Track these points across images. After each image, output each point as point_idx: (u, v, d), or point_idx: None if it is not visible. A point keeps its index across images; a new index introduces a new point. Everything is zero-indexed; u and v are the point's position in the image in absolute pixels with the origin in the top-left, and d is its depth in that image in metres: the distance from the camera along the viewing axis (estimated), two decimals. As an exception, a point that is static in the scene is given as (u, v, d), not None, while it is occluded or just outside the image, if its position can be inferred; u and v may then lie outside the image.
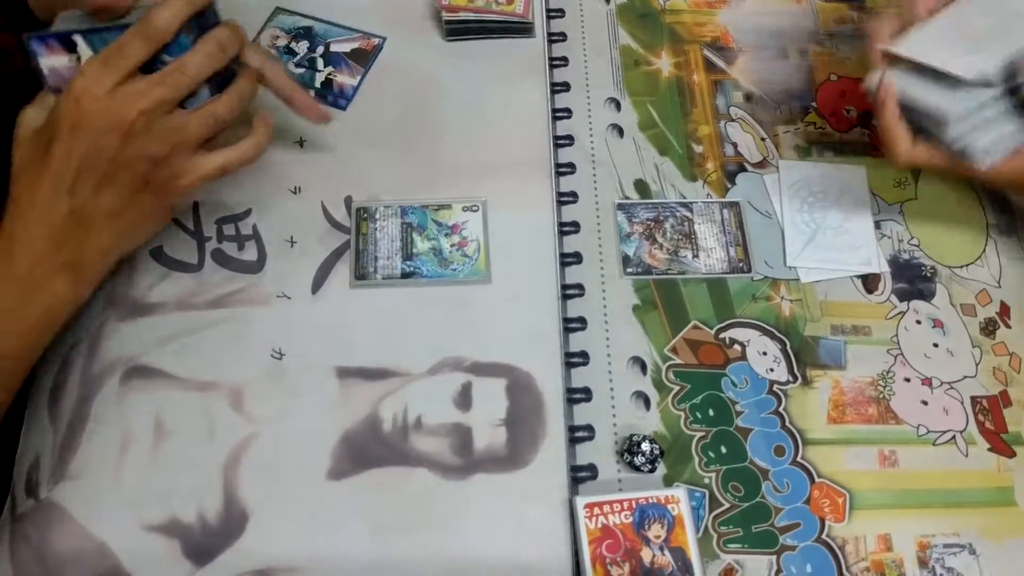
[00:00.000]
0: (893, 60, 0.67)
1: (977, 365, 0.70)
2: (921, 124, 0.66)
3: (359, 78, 0.80)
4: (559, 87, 0.81)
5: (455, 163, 0.76)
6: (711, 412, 0.67)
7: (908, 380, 0.69)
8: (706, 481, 0.65)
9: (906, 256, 0.75)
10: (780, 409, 0.68)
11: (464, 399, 0.66)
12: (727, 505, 0.64)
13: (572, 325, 0.70)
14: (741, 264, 0.73)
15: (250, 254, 0.71)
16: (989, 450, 0.67)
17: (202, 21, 0.60)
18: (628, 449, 0.65)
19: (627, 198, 0.76)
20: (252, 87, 0.64)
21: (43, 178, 0.58)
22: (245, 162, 0.64)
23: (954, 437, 0.67)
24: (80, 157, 0.58)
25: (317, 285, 0.70)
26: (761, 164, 0.79)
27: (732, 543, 0.63)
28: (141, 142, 0.58)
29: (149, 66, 0.59)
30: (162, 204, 0.63)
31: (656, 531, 0.61)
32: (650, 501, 0.62)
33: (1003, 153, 0.64)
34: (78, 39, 0.60)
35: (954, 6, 0.68)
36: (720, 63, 0.84)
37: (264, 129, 0.65)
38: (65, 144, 0.57)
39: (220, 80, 0.62)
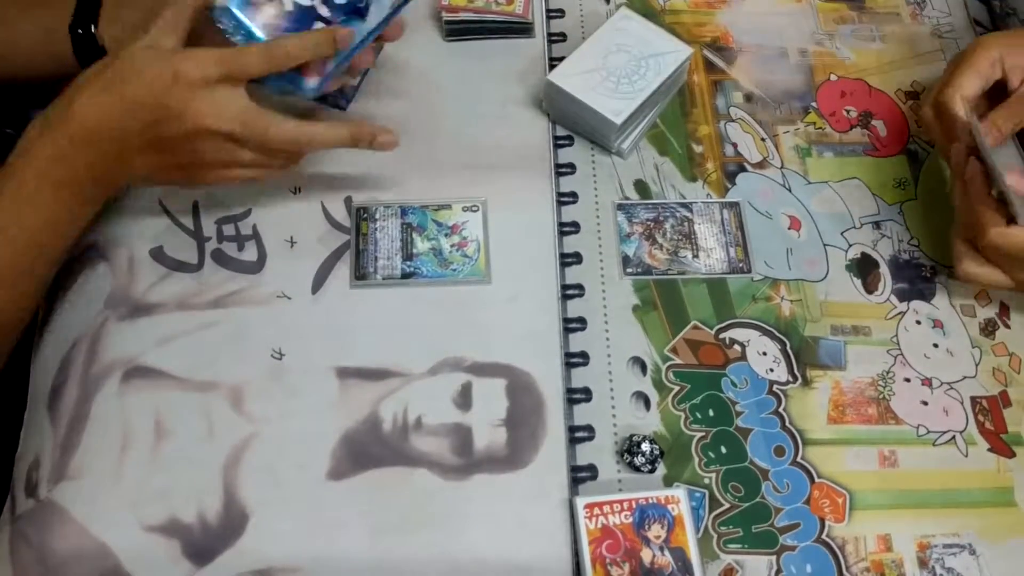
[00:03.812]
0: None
1: (977, 365, 0.70)
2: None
3: (359, 78, 0.79)
4: (559, 87, 0.81)
5: (455, 163, 0.76)
6: (711, 412, 0.67)
7: (908, 380, 0.69)
8: (706, 481, 0.65)
9: (906, 256, 0.75)
10: (780, 409, 0.68)
11: (464, 399, 0.66)
12: (727, 505, 0.64)
13: (572, 325, 0.70)
14: (741, 264, 0.73)
15: (250, 254, 0.71)
16: (989, 450, 0.67)
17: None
18: (628, 449, 0.65)
19: (627, 198, 0.76)
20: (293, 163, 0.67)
21: (115, 105, 0.60)
22: (269, 177, 0.67)
23: (954, 437, 0.67)
24: (147, 121, 0.60)
25: (317, 285, 0.70)
26: (761, 164, 0.79)
27: (732, 543, 0.63)
28: (196, 145, 0.61)
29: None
30: (183, 184, 0.67)
31: (656, 531, 0.61)
32: (650, 501, 0.62)
33: None
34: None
35: None
36: (720, 63, 0.84)
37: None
38: (145, 101, 0.59)
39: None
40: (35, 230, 0.61)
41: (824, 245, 0.75)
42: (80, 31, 0.69)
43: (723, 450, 0.66)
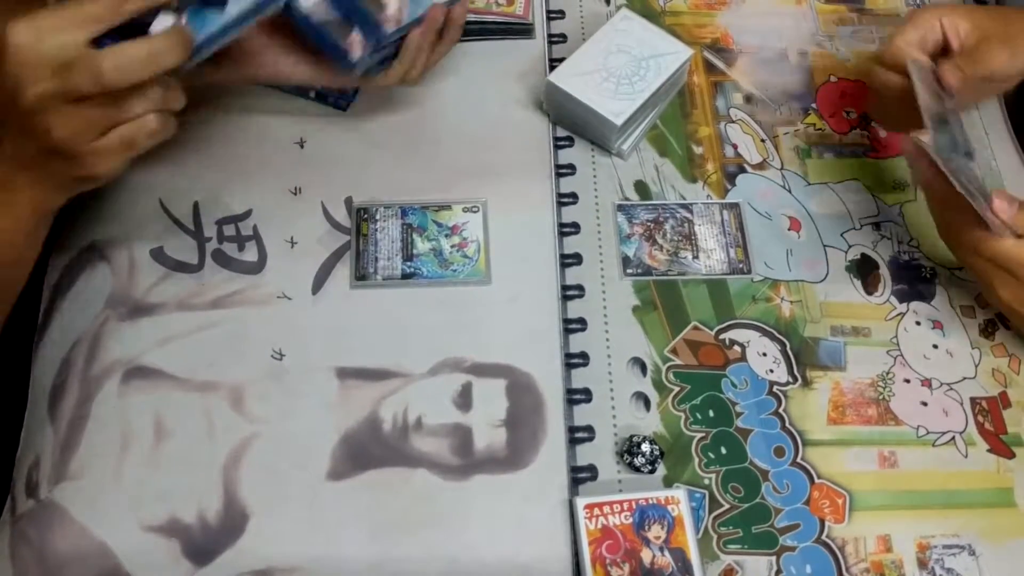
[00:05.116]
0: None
1: (976, 366, 0.70)
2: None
3: (359, 79, 0.80)
4: (559, 88, 0.81)
5: (455, 164, 0.76)
6: (711, 413, 0.67)
7: (908, 381, 0.69)
8: (706, 482, 0.65)
9: (905, 257, 0.75)
10: (780, 410, 0.68)
11: (464, 400, 0.66)
12: (727, 506, 0.64)
13: (572, 326, 0.70)
14: (741, 265, 0.73)
15: (250, 255, 0.71)
16: (988, 451, 0.67)
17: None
18: (628, 450, 0.65)
19: (627, 199, 0.76)
20: (166, 127, 0.59)
21: None
22: (153, 135, 0.58)
23: (954, 438, 0.67)
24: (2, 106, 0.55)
25: (317, 286, 0.70)
26: (761, 165, 0.79)
27: (732, 544, 0.63)
28: (37, 123, 0.54)
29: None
30: (74, 174, 0.58)
31: (656, 532, 0.61)
32: (650, 502, 0.62)
33: None
34: None
35: None
36: (720, 64, 0.84)
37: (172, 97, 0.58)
38: None
39: None
40: None
41: (824, 246, 0.75)
42: None
43: (723, 451, 0.66)
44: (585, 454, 0.65)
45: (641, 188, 0.77)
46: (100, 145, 0.57)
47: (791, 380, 0.69)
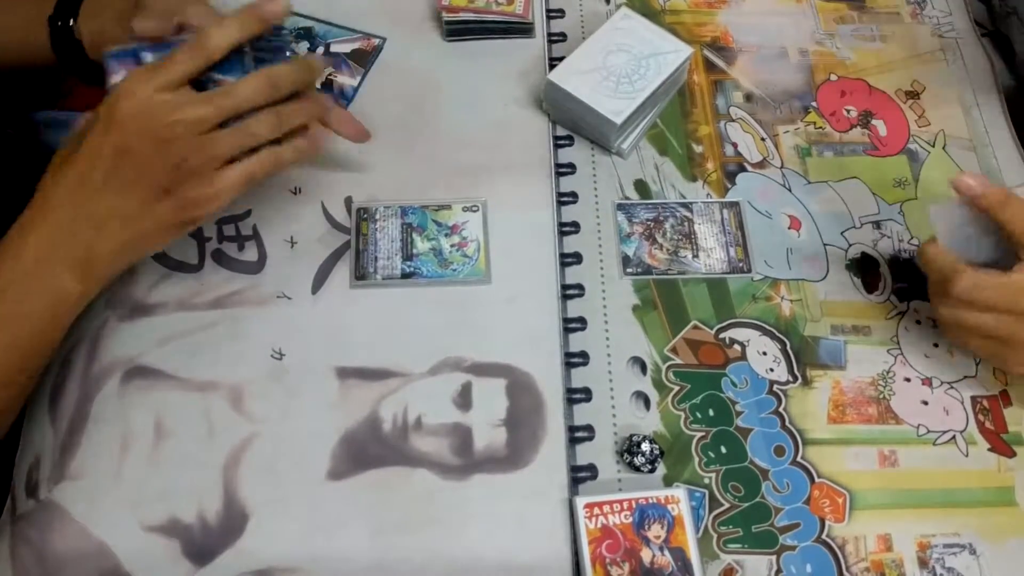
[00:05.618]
0: None
1: (977, 365, 0.70)
2: None
3: (359, 79, 0.80)
4: (559, 87, 0.81)
5: (455, 163, 0.76)
6: (711, 412, 0.67)
7: (908, 380, 0.69)
8: (706, 481, 0.65)
9: (906, 256, 0.75)
10: (780, 409, 0.68)
11: (464, 399, 0.66)
12: (727, 505, 0.64)
13: (572, 325, 0.70)
14: (741, 264, 0.73)
15: (250, 254, 0.71)
16: (989, 450, 0.67)
17: (262, 44, 0.61)
18: (628, 449, 0.64)
19: (627, 198, 0.76)
20: (302, 113, 0.62)
21: (69, 170, 0.58)
22: (272, 169, 0.61)
23: (954, 437, 0.67)
24: (110, 155, 0.57)
25: (317, 285, 0.70)
26: (761, 164, 0.79)
27: (732, 543, 0.63)
28: (171, 150, 0.57)
29: (200, 85, 0.59)
30: (178, 218, 0.60)
31: (656, 531, 0.61)
32: (650, 501, 0.62)
33: None
34: (146, 54, 0.61)
35: None
36: (720, 63, 0.84)
37: (304, 143, 0.63)
38: (98, 139, 0.57)
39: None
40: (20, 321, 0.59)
41: (824, 245, 0.75)
42: (59, 23, 0.69)
43: (723, 450, 0.66)
44: (585, 453, 0.65)
45: (641, 187, 0.77)
46: (221, 176, 0.59)
47: (791, 379, 0.69)
